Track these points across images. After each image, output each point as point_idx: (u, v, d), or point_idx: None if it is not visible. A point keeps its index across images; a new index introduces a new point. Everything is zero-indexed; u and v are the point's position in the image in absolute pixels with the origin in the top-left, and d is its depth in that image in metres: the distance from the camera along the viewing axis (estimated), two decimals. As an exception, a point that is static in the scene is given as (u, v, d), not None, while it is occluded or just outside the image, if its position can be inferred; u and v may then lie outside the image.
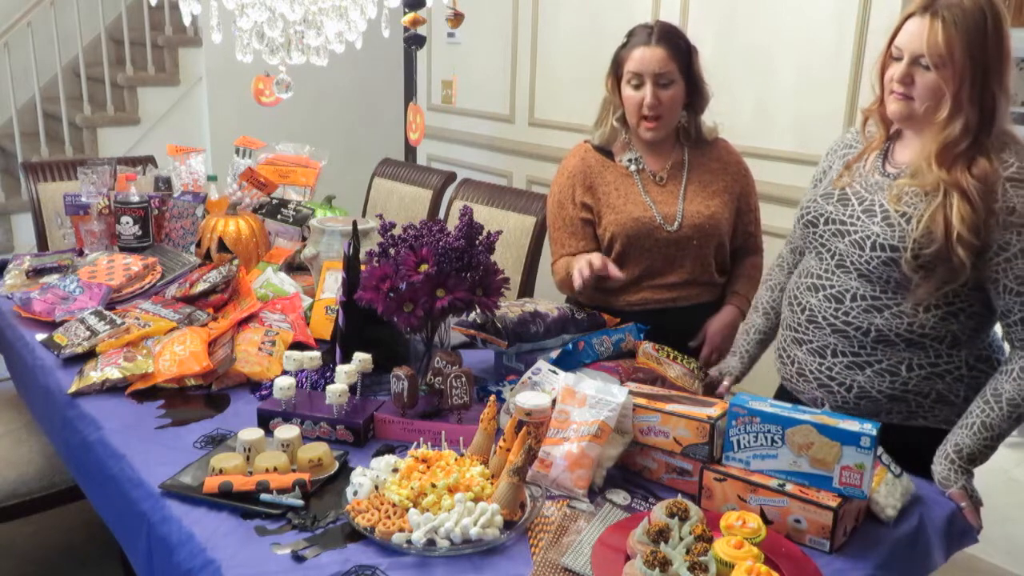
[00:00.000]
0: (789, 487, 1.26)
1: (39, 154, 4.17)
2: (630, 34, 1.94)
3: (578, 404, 1.41)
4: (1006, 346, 1.50)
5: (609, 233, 1.96)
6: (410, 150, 4.83)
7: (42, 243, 2.95)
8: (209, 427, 1.58)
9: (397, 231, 1.63)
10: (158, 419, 1.61)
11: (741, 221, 2.06)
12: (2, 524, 2.08)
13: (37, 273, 2.35)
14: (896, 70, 1.45)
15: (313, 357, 1.62)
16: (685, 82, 1.92)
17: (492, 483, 1.30)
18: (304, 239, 2.44)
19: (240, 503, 1.30)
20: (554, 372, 1.60)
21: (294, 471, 1.37)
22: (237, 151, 2.89)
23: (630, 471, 1.44)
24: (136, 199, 2.49)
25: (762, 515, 1.24)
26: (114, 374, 1.71)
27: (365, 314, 1.64)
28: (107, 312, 1.99)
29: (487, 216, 2.74)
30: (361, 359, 1.59)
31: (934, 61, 1.39)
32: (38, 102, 4.27)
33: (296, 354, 1.61)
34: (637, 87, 1.90)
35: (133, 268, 2.27)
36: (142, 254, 2.42)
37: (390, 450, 1.47)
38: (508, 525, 1.24)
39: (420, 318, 1.56)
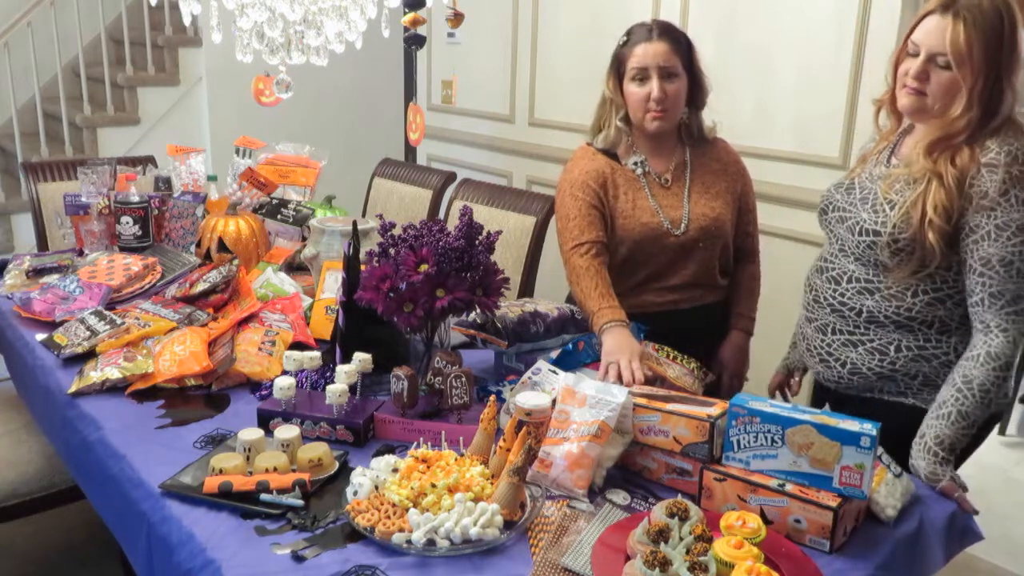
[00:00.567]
0: (789, 487, 1.26)
1: (39, 154, 4.16)
2: (628, 33, 1.94)
3: (578, 404, 1.41)
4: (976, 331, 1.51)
5: (617, 239, 1.95)
6: (410, 150, 4.83)
7: (42, 243, 2.95)
8: (209, 427, 1.58)
9: (397, 231, 1.63)
10: (158, 419, 1.61)
11: (741, 221, 2.07)
12: (2, 524, 2.08)
13: (37, 273, 2.35)
14: (912, 65, 1.50)
15: (313, 357, 1.62)
16: (687, 76, 1.92)
17: (492, 483, 1.30)
18: (304, 239, 2.44)
19: (240, 503, 1.30)
20: (554, 372, 1.60)
21: (294, 471, 1.37)
22: (237, 151, 2.89)
23: (630, 471, 1.44)
24: (136, 199, 2.49)
25: (762, 515, 1.24)
26: (114, 374, 1.71)
27: (365, 314, 1.64)
28: (107, 312, 1.99)
29: (487, 216, 2.74)
30: (361, 359, 1.59)
31: (954, 60, 1.44)
32: (38, 102, 4.26)
33: (296, 354, 1.61)
34: (642, 82, 1.90)
35: (133, 268, 2.27)
36: (142, 254, 2.42)
37: (390, 450, 1.48)
38: (508, 525, 1.24)
39: (420, 318, 1.56)
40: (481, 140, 4.23)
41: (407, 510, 1.24)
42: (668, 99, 1.89)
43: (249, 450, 1.41)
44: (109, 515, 1.51)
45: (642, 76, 1.89)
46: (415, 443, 1.42)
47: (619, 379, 1.62)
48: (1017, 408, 3.68)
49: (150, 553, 1.33)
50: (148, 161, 3.11)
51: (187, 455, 1.46)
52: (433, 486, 1.26)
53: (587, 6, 3.57)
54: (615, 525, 1.26)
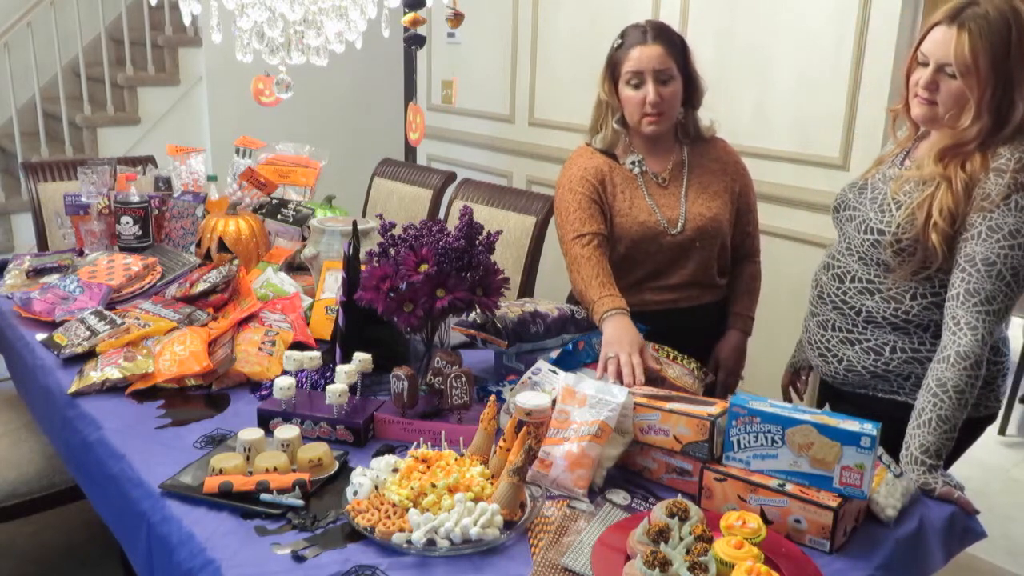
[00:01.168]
0: (789, 487, 1.26)
1: (39, 154, 4.16)
2: (623, 35, 1.93)
3: (578, 404, 1.41)
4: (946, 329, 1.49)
5: (615, 237, 1.95)
6: (410, 150, 4.83)
7: (42, 243, 2.95)
8: (209, 427, 1.58)
9: (397, 231, 1.63)
10: (158, 419, 1.61)
11: (740, 222, 2.07)
12: (2, 524, 2.08)
13: (37, 273, 2.35)
14: (922, 76, 1.51)
15: (313, 357, 1.62)
16: (682, 78, 1.92)
17: (492, 483, 1.30)
18: (304, 239, 2.44)
19: (240, 503, 1.30)
20: (554, 372, 1.60)
21: (294, 471, 1.37)
22: (237, 151, 2.89)
23: (630, 471, 1.44)
24: (136, 199, 2.49)
25: (762, 515, 1.24)
26: (114, 374, 1.71)
27: (365, 314, 1.64)
28: (107, 312, 1.99)
29: (487, 216, 2.74)
30: (361, 359, 1.59)
31: (960, 70, 1.45)
32: (38, 102, 4.26)
33: (296, 354, 1.61)
34: (637, 86, 1.89)
35: (133, 268, 2.27)
36: (142, 254, 2.42)
37: (390, 450, 1.47)
38: (508, 525, 1.24)
39: (420, 318, 1.56)
40: (481, 140, 4.24)
41: (407, 510, 1.24)
42: (664, 103, 1.89)
43: (249, 450, 1.41)
44: (109, 515, 1.52)
45: (637, 80, 1.89)
46: (415, 443, 1.42)
47: (619, 378, 1.62)
48: (1017, 408, 3.68)
49: (150, 553, 1.33)
50: (148, 161, 3.11)
51: (187, 455, 1.46)
52: (433, 486, 1.26)
53: (587, 6, 3.57)
54: (615, 525, 1.26)
